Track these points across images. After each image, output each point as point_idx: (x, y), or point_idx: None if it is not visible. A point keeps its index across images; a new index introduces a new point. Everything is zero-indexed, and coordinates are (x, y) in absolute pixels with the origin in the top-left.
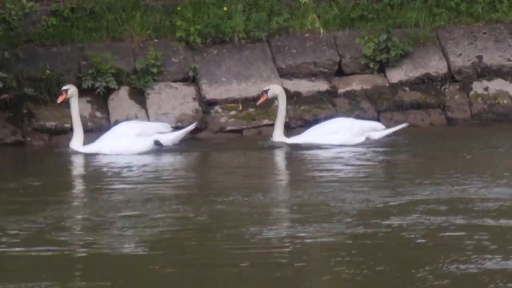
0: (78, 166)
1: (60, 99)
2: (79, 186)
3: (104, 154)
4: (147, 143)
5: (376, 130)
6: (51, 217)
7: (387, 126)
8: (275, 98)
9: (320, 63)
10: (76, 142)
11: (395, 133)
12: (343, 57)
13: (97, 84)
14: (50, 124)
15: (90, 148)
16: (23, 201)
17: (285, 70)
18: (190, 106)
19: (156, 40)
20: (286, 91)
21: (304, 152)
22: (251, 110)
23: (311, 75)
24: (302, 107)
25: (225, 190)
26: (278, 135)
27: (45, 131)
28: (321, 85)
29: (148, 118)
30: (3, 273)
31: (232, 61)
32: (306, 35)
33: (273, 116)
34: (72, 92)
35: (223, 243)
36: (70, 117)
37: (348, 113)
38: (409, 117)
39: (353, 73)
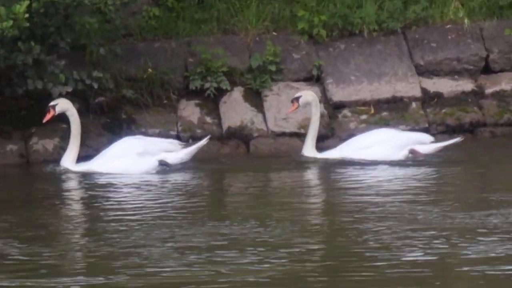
0: (63, 189)
1: (47, 118)
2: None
3: (100, 174)
4: (150, 164)
5: (423, 142)
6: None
7: None
8: (308, 106)
9: (464, 59)
10: (68, 159)
11: (446, 148)
12: (491, 51)
13: (207, 85)
14: (153, 131)
15: (84, 167)
16: None
17: (424, 67)
18: None
19: (274, 33)
20: (425, 91)
21: (336, 169)
22: (384, 113)
23: (454, 73)
24: (443, 110)
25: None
26: (309, 149)
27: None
28: (466, 85)
29: (265, 123)
30: None
31: (363, 57)
32: (448, 26)
33: (410, 120)
34: (63, 107)
35: None
36: (175, 123)
37: (496, 117)
38: None
39: (502, 70)
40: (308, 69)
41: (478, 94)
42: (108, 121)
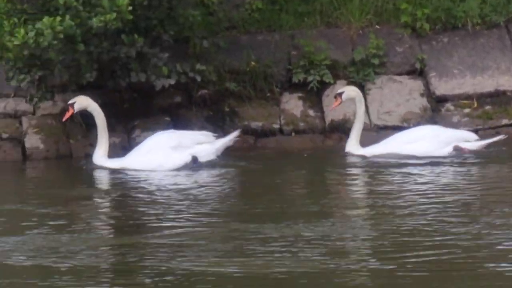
0: (93, 185)
1: (66, 116)
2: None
3: (133, 170)
4: (183, 158)
5: (467, 140)
6: None
7: None
8: (352, 101)
9: None
10: (100, 155)
11: (490, 145)
12: None
13: (310, 78)
14: (256, 124)
15: (117, 163)
16: None
17: None
18: (417, 103)
19: (377, 27)
20: None
21: (379, 165)
22: (487, 107)
23: None
24: None
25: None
26: (353, 145)
27: (250, 133)
28: None
29: (368, 117)
30: None
31: (466, 51)
32: None
33: None
34: (82, 104)
35: None
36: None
37: None
38: None
39: None
40: (411, 63)
41: None
42: (211, 114)
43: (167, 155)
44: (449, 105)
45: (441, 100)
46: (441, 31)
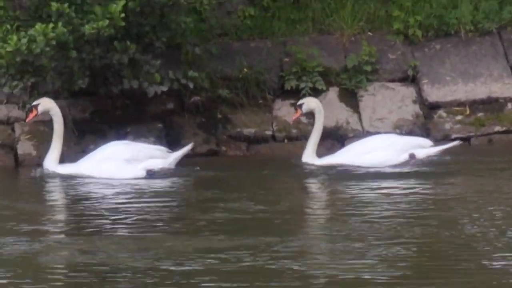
0: (44, 192)
1: (29, 117)
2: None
3: (83, 177)
4: (137, 171)
5: (423, 147)
6: None
7: None
8: (311, 113)
9: None
10: (51, 160)
11: (445, 151)
12: None
13: (302, 85)
14: (249, 131)
15: (68, 169)
16: None
17: None
18: (410, 110)
19: (370, 33)
20: None
21: (335, 176)
22: (480, 114)
23: None
24: None
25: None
26: (309, 155)
27: (243, 139)
28: None
29: (361, 124)
30: None
31: (458, 58)
32: None
33: (505, 120)
34: (46, 107)
35: None
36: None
37: None
38: None
39: None
40: (403, 69)
41: None
42: (203, 121)
43: (120, 167)
44: (441, 112)
45: (434, 107)
46: (433, 38)
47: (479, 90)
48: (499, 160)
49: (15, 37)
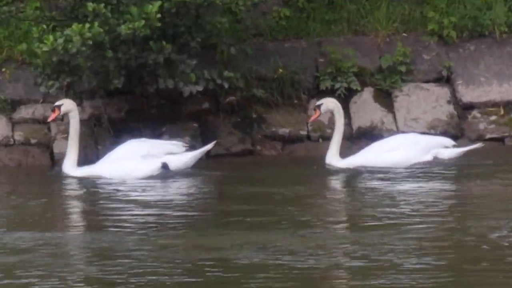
0: (61, 194)
1: (51, 117)
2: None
3: (102, 178)
4: (153, 167)
5: (446, 146)
6: None
7: None
8: (331, 113)
9: None
10: (69, 164)
11: (469, 152)
12: None
13: (337, 85)
14: (283, 130)
15: (85, 171)
16: None
17: None
18: (444, 110)
19: (404, 34)
20: None
21: (356, 176)
22: None
23: None
24: None
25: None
26: (332, 156)
27: (278, 139)
28: None
29: (396, 124)
30: None
31: (492, 58)
32: None
33: None
34: (68, 108)
35: None
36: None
37: None
38: None
39: None
40: (438, 70)
41: None
42: (238, 120)
43: (137, 164)
44: (475, 113)
45: (468, 107)
46: (467, 39)
47: None
48: None
49: (51, 37)
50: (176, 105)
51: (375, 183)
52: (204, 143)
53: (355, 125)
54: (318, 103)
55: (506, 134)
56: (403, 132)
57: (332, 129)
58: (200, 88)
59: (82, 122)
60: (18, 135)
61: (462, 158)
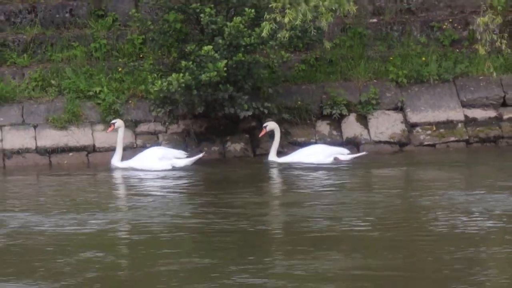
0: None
1: (109, 130)
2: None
3: (135, 169)
4: (165, 165)
5: (342, 154)
6: None
7: None
8: (272, 130)
9: (490, 97)
10: (116, 159)
11: (358, 158)
12: (507, 93)
13: (334, 111)
14: (301, 139)
15: (126, 164)
16: None
17: (466, 102)
18: (399, 127)
19: (375, 81)
20: (466, 117)
21: (288, 169)
22: (441, 130)
23: (484, 106)
24: (477, 128)
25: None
26: (272, 156)
27: (297, 145)
28: (491, 113)
29: (369, 136)
30: None
31: (428, 96)
32: (481, 77)
33: (457, 134)
34: (119, 124)
35: None
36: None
37: (510, 133)
38: None
39: None
40: (395, 103)
41: (498, 119)
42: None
43: (155, 163)
44: (418, 129)
45: (413, 125)
46: (413, 83)
47: (441, 115)
48: (450, 157)
49: (159, 81)
50: (235, 124)
51: (297, 172)
52: (252, 148)
53: (344, 136)
54: (264, 124)
55: (437, 142)
56: (373, 141)
57: (331, 138)
58: (250, 113)
59: (177, 134)
60: (139, 142)
61: (363, 159)
